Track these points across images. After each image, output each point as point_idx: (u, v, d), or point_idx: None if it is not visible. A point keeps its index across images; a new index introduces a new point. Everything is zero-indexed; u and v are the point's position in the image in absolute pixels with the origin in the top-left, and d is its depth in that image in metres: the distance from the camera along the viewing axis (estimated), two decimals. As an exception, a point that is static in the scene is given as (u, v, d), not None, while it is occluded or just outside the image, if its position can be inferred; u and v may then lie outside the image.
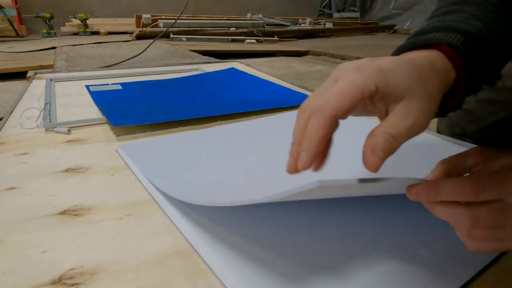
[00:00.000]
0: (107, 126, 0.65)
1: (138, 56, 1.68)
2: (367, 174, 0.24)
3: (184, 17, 2.87)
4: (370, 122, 0.68)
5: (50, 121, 0.65)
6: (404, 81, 0.24)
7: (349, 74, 0.24)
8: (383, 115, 0.26)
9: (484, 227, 0.24)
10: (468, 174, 0.29)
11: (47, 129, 0.63)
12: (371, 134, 0.24)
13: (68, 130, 0.62)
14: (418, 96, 0.24)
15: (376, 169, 0.23)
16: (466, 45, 0.28)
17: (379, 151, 0.23)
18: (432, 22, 0.31)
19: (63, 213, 0.39)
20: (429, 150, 0.55)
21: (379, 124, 0.24)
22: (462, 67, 0.28)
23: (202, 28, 2.99)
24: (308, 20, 3.67)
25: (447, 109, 0.31)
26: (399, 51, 0.30)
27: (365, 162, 0.23)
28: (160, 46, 2.23)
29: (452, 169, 0.30)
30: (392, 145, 0.23)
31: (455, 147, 0.57)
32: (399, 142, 0.24)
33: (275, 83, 0.99)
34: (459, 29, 0.29)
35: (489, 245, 0.25)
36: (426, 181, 0.26)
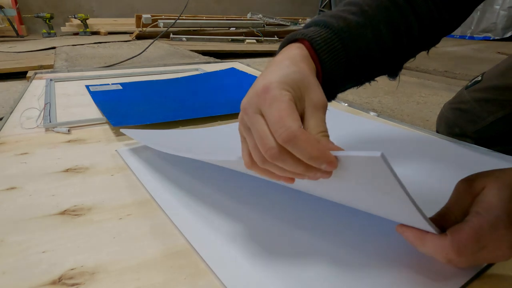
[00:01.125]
0: (107, 126, 0.65)
1: (138, 56, 1.68)
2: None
3: (184, 17, 2.87)
4: (365, 120, 0.68)
5: (50, 121, 0.65)
6: (300, 80, 0.27)
7: (269, 99, 0.25)
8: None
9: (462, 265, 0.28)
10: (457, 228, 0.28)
11: (47, 129, 0.63)
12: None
13: (68, 130, 0.62)
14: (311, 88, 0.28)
15: (335, 165, 0.24)
16: (324, 41, 0.32)
17: (328, 153, 0.24)
18: (318, 16, 0.36)
19: (63, 213, 0.39)
20: (429, 150, 0.55)
21: (307, 127, 0.26)
22: (318, 63, 0.32)
23: (202, 28, 2.99)
24: (308, 20, 3.67)
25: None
26: (281, 46, 0.34)
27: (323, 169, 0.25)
28: (160, 46, 2.23)
29: (461, 217, 0.29)
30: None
31: (455, 147, 0.57)
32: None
33: (275, 83, 0.99)
34: (329, 26, 0.33)
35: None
36: (415, 230, 0.28)
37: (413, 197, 0.24)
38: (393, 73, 0.38)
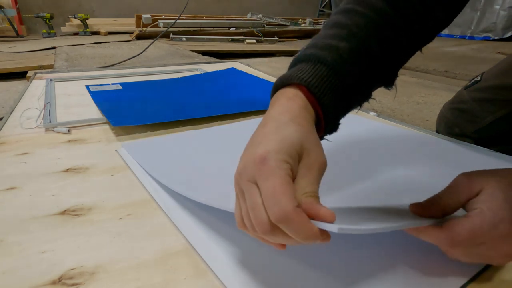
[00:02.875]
0: (107, 126, 0.65)
1: (138, 56, 1.68)
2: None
3: (184, 17, 2.87)
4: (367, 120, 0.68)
5: (50, 121, 0.65)
6: (298, 143, 0.26)
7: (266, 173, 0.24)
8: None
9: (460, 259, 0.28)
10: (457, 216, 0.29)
11: (47, 129, 0.63)
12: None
13: (68, 130, 0.62)
14: (311, 148, 0.26)
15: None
16: (321, 80, 0.30)
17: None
18: (307, 48, 0.33)
19: (63, 213, 0.39)
20: (429, 150, 0.55)
21: (296, 187, 0.25)
22: (318, 107, 0.30)
23: (202, 28, 2.99)
24: (308, 20, 3.67)
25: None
26: (275, 89, 0.33)
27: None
28: (160, 46, 2.23)
29: (450, 207, 0.30)
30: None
31: (455, 147, 0.57)
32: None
33: (275, 83, 0.99)
34: (323, 61, 0.31)
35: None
36: (410, 229, 0.29)
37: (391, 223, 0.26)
38: (390, 83, 0.37)
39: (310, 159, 0.26)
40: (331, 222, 0.23)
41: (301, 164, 0.26)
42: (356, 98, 0.34)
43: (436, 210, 0.30)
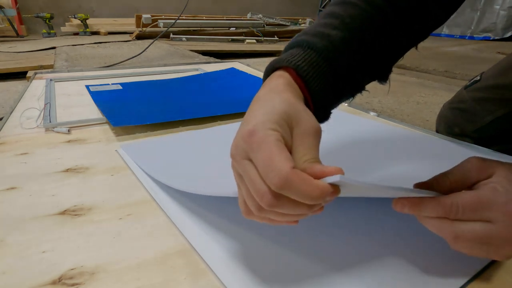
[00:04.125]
0: (107, 126, 0.65)
1: (138, 56, 1.68)
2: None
3: (184, 17, 2.87)
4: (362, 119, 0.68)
5: (50, 121, 0.65)
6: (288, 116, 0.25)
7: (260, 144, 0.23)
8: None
9: (465, 241, 0.26)
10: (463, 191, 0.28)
11: (47, 129, 0.63)
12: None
13: (68, 130, 0.62)
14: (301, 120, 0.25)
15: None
16: (311, 65, 0.30)
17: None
18: (299, 35, 0.33)
19: (63, 213, 0.39)
20: (429, 150, 0.55)
21: (295, 157, 0.24)
22: (306, 91, 0.30)
23: (202, 28, 2.99)
24: (308, 20, 3.67)
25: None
26: (266, 74, 0.32)
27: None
28: (160, 46, 2.23)
29: (457, 183, 0.29)
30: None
31: (455, 147, 0.57)
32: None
33: (275, 83, 0.98)
34: (313, 47, 0.31)
35: (472, 253, 0.27)
36: (411, 198, 0.28)
37: (394, 185, 0.26)
38: (383, 77, 0.37)
39: (302, 126, 0.25)
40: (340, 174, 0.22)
41: (294, 133, 0.25)
42: (347, 87, 0.34)
43: (443, 185, 0.29)
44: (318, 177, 0.22)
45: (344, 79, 0.32)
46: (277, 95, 0.27)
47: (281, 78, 0.29)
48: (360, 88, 0.36)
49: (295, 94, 0.28)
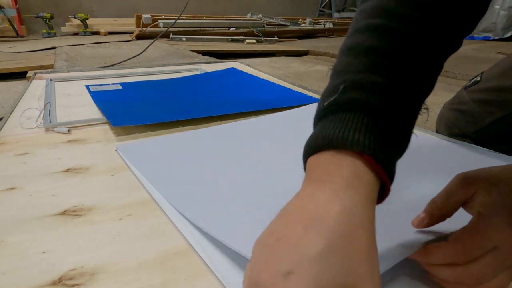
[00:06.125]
0: (107, 126, 0.65)
1: (138, 56, 1.68)
2: None
3: (184, 17, 2.87)
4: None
5: (50, 121, 0.65)
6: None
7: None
8: None
9: (490, 278, 0.25)
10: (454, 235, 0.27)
11: (47, 129, 0.63)
12: None
13: (68, 130, 0.62)
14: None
15: None
16: (381, 143, 0.24)
17: None
18: (346, 87, 0.25)
19: (63, 213, 0.39)
20: (429, 150, 0.55)
21: None
22: (383, 174, 0.24)
23: (202, 28, 2.99)
24: (308, 20, 3.67)
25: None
26: (306, 155, 0.25)
27: None
28: (160, 46, 2.23)
29: (443, 211, 0.29)
30: None
31: (455, 147, 0.57)
32: None
33: (275, 83, 0.99)
34: (371, 112, 0.24)
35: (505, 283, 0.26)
36: (418, 250, 0.28)
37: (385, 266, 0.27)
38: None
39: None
40: None
41: None
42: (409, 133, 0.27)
43: (433, 214, 0.29)
44: None
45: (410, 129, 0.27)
46: (361, 227, 0.20)
47: (361, 188, 0.22)
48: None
49: (372, 205, 0.22)
